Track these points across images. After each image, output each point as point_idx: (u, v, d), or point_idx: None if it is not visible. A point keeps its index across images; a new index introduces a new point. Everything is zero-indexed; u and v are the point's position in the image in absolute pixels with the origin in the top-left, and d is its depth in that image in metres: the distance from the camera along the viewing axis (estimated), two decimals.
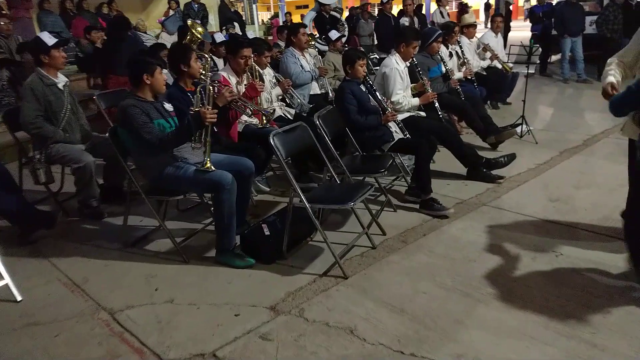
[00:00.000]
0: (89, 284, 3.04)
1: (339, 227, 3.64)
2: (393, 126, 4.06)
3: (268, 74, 4.83)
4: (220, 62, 6.40)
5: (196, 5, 10.37)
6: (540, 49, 5.67)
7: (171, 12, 10.73)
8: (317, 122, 3.48)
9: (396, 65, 4.44)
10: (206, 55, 5.53)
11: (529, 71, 5.66)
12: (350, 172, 3.49)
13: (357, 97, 3.97)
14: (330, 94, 5.66)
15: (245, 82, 4.25)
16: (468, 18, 6.73)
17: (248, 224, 3.55)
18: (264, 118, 3.91)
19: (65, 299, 2.89)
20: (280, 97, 4.80)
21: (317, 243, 3.38)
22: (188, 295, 2.84)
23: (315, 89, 5.58)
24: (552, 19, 9.87)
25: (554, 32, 9.97)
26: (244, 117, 4.18)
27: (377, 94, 4.13)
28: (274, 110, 4.15)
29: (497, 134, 5.23)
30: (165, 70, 5.13)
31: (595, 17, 9.77)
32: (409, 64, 4.64)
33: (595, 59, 9.28)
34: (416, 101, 4.55)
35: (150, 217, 3.58)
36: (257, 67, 4.49)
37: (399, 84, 4.42)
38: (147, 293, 2.89)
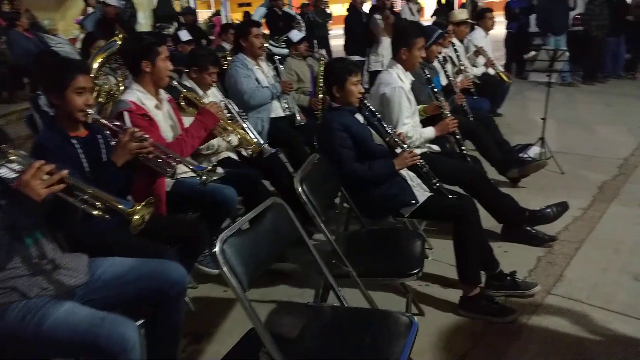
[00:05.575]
0: None
1: None
2: (408, 177, 2.64)
3: (213, 96, 3.30)
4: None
5: (122, 2, 8.62)
6: (567, 54, 4.46)
7: (90, 10, 8.90)
8: (301, 192, 2.02)
9: (400, 83, 3.02)
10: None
11: (551, 80, 4.48)
12: (359, 274, 2.04)
13: (353, 135, 2.52)
14: (298, 117, 4.21)
15: (166, 107, 2.70)
16: (458, 14, 5.45)
17: None
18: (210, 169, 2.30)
19: None
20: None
21: None
22: None
23: (277, 110, 4.08)
24: (530, 16, 8.88)
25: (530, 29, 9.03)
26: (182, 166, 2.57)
27: (384, 124, 2.70)
28: (215, 166, 2.46)
29: (521, 166, 3.97)
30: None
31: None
32: (413, 78, 3.26)
33: (579, 59, 8.38)
34: (430, 132, 3.11)
35: None
36: (196, 87, 2.96)
37: (405, 109, 2.99)
38: None
